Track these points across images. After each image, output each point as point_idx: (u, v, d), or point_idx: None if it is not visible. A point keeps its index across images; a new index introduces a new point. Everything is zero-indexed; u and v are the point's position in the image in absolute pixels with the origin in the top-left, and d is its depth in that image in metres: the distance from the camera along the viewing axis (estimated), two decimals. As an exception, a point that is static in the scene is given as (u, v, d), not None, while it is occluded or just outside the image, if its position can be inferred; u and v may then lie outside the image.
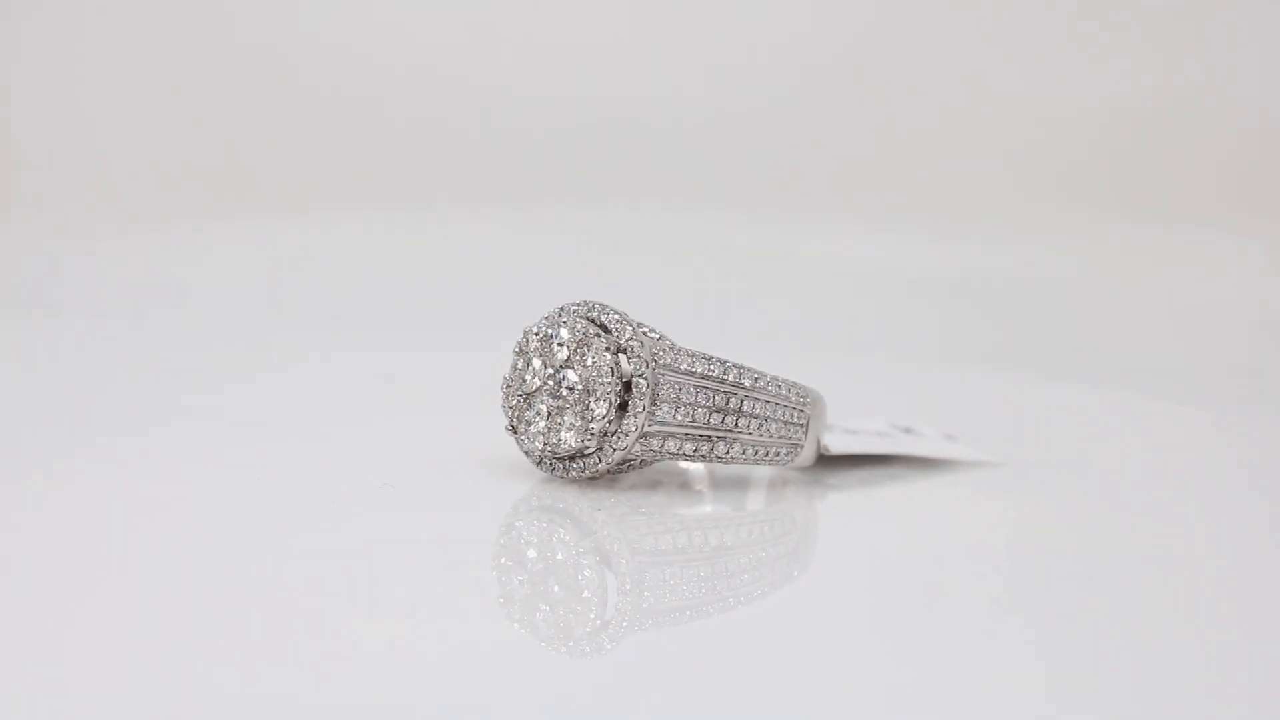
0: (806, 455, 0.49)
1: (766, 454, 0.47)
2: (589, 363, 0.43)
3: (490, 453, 0.49)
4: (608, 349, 0.43)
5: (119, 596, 0.36)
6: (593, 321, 0.44)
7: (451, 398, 0.61)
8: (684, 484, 0.49)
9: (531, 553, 0.42)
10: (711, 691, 0.33)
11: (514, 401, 0.45)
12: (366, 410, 0.60)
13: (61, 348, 0.75)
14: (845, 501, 0.50)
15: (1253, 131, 0.94)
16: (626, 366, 0.43)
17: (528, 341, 0.45)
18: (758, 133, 1.02)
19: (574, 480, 0.46)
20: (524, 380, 0.45)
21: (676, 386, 0.44)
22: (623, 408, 0.43)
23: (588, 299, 0.45)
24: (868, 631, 0.37)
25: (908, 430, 0.57)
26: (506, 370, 0.46)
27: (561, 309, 0.45)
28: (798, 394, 0.47)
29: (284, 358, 0.75)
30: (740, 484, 0.51)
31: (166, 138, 1.09)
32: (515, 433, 0.45)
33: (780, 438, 0.47)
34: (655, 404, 0.44)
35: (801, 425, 0.48)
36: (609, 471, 0.45)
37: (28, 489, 0.46)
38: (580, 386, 0.43)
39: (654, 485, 0.48)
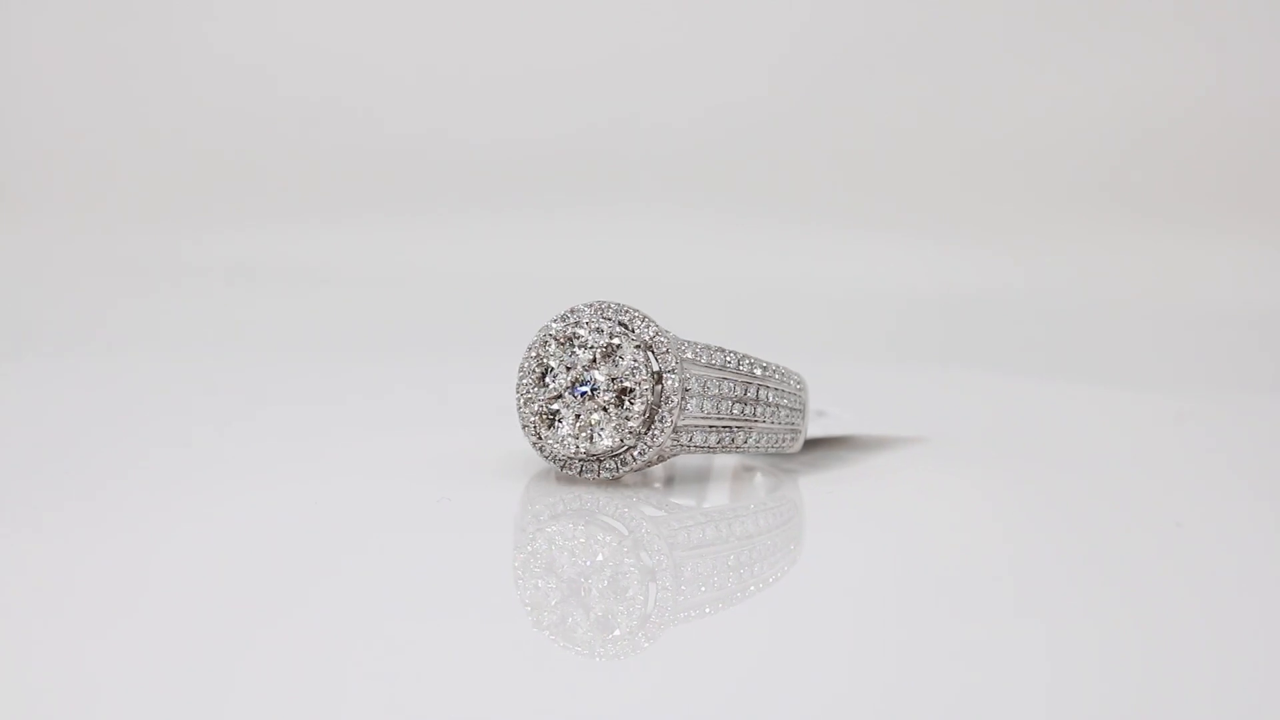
0: (801, 440, 0.50)
1: (777, 440, 0.47)
2: (621, 361, 0.43)
3: (502, 459, 0.49)
4: (638, 347, 0.43)
5: (155, 615, 0.35)
6: (613, 320, 0.44)
7: (454, 407, 0.60)
8: (644, 480, 0.49)
9: (569, 555, 0.41)
10: (749, 680, 0.33)
11: (536, 406, 0.44)
12: (374, 426, 0.59)
13: (66, 371, 0.72)
14: (819, 484, 0.51)
15: (1252, 135, 0.96)
16: (656, 363, 0.43)
17: (545, 344, 0.44)
18: (752, 136, 1.01)
19: (602, 481, 0.45)
20: (544, 384, 0.44)
21: (702, 380, 0.44)
22: (655, 404, 0.43)
23: (598, 299, 0.45)
24: (888, 607, 0.38)
25: (820, 413, 0.58)
26: (519, 376, 0.45)
27: (573, 309, 0.45)
28: (794, 380, 0.48)
29: (286, 375, 0.72)
30: (700, 476, 0.51)
31: (157, 146, 1.04)
32: (540, 438, 0.45)
33: (786, 424, 0.47)
34: (685, 398, 0.44)
35: (800, 410, 0.48)
36: (640, 468, 0.45)
37: (44, 517, 0.44)
38: (613, 386, 0.43)
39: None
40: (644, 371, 0.43)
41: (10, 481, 0.49)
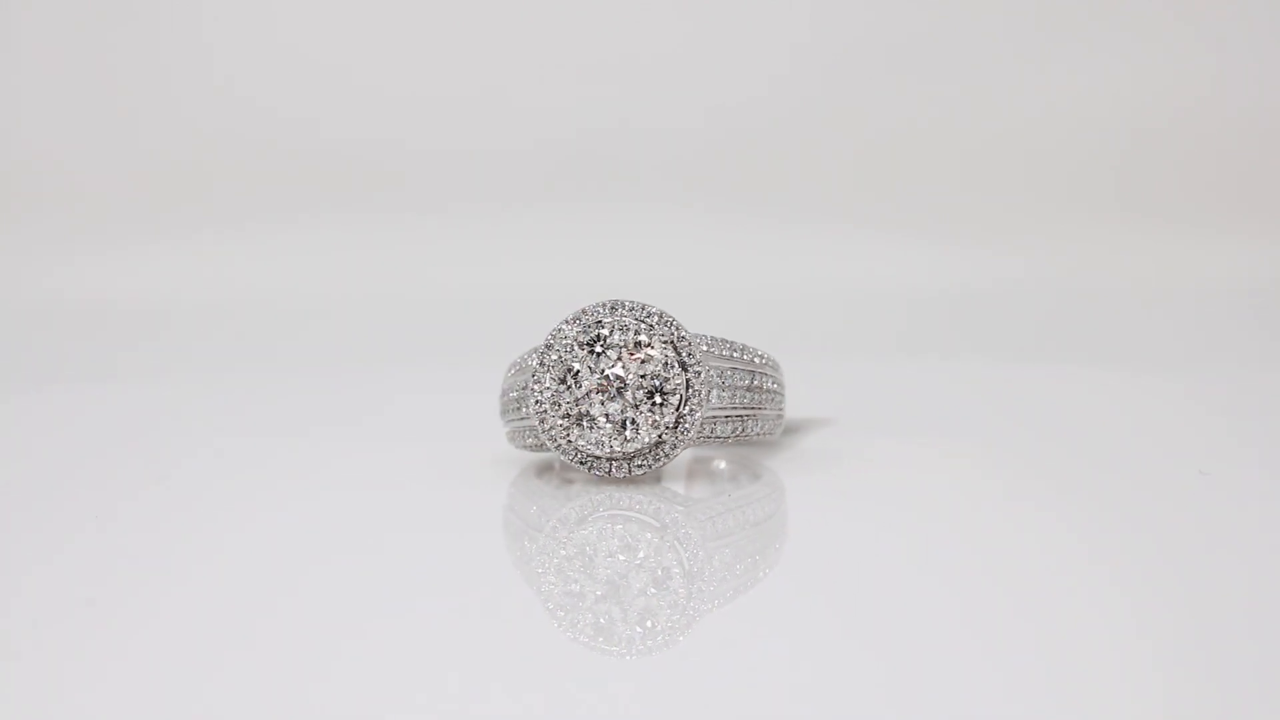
0: (783, 423, 0.50)
1: (772, 426, 0.48)
2: (653, 358, 0.43)
3: (510, 464, 0.48)
4: (665, 342, 0.43)
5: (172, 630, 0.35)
6: (634, 318, 0.44)
7: (454, 414, 0.58)
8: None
9: (610, 554, 0.41)
10: (787, 663, 0.34)
11: (563, 409, 0.44)
12: (380, 437, 0.57)
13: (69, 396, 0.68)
14: (785, 467, 0.51)
15: (1250, 134, 0.99)
16: (681, 357, 0.44)
17: (566, 347, 0.44)
18: (750, 136, 1.00)
19: (630, 479, 0.45)
20: (567, 386, 0.44)
21: (719, 371, 0.45)
22: (685, 398, 0.44)
23: (610, 299, 0.45)
24: (899, 581, 0.39)
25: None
26: (533, 382, 0.44)
27: (585, 310, 0.44)
28: (779, 368, 0.49)
29: (289, 388, 0.69)
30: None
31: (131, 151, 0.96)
32: (570, 440, 0.44)
33: (778, 410, 0.48)
34: (709, 390, 0.44)
35: (782, 394, 0.49)
36: (670, 462, 0.45)
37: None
38: (643, 383, 0.43)
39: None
40: (676, 367, 0.43)
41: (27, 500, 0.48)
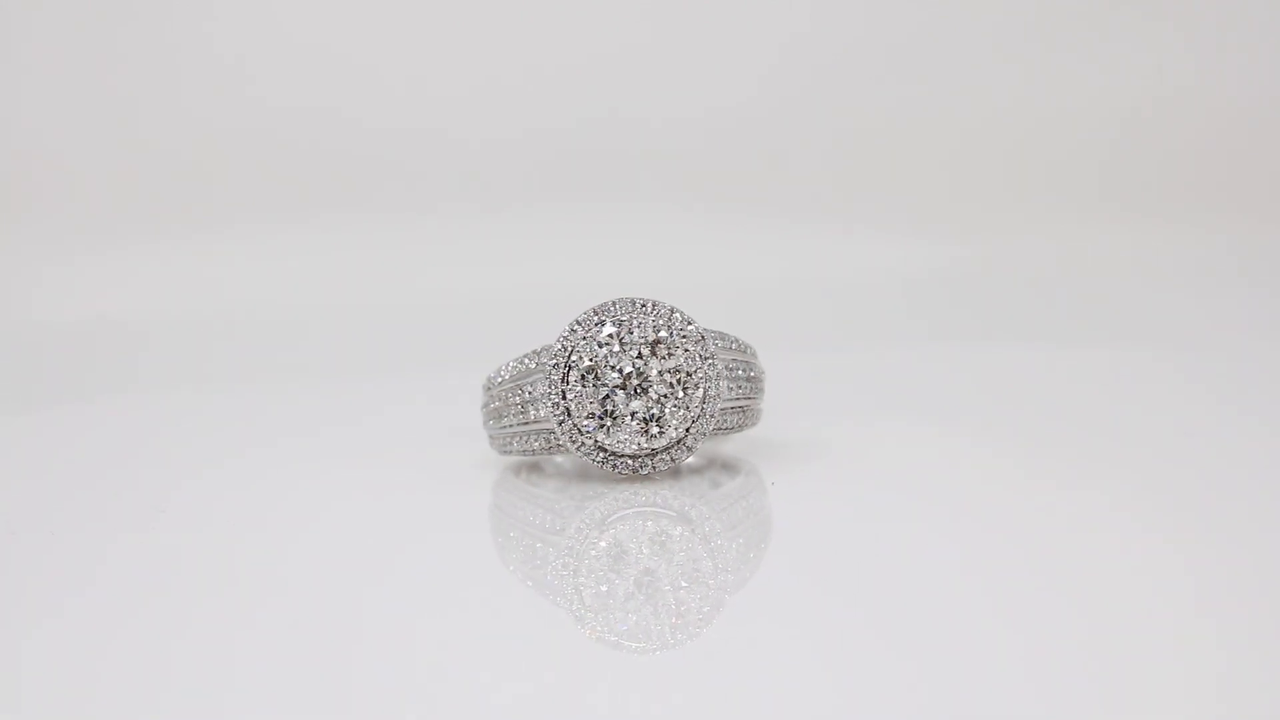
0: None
1: (760, 415, 0.49)
2: (678, 354, 0.44)
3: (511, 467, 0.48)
4: (683, 337, 0.44)
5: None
6: (648, 315, 0.44)
7: (450, 420, 0.58)
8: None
9: (639, 551, 0.42)
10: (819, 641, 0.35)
11: (586, 409, 0.44)
12: (391, 445, 0.55)
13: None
14: (753, 456, 0.52)
15: (1236, 129, 0.99)
16: (699, 351, 0.44)
17: (585, 347, 0.44)
18: (739, 129, 1.00)
19: (653, 475, 0.46)
20: (589, 387, 0.44)
21: (725, 363, 0.46)
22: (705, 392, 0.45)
23: (619, 298, 0.45)
24: (900, 556, 0.40)
25: None
26: (545, 386, 0.44)
27: (595, 310, 0.44)
28: (758, 356, 0.50)
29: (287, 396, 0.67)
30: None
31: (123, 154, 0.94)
32: (596, 441, 0.44)
33: (761, 397, 0.49)
34: (722, 381, 0.45)
35: (761, 383, 0.50)
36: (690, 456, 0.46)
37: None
38: (664, 379, 0.44)
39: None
40: (696, 360, 0.44)
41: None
